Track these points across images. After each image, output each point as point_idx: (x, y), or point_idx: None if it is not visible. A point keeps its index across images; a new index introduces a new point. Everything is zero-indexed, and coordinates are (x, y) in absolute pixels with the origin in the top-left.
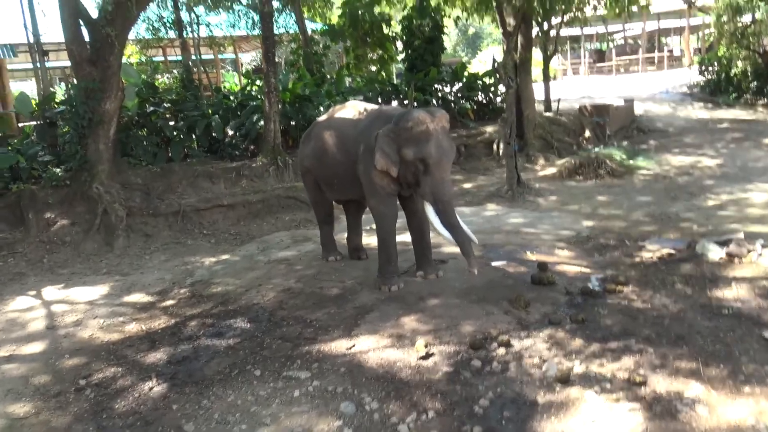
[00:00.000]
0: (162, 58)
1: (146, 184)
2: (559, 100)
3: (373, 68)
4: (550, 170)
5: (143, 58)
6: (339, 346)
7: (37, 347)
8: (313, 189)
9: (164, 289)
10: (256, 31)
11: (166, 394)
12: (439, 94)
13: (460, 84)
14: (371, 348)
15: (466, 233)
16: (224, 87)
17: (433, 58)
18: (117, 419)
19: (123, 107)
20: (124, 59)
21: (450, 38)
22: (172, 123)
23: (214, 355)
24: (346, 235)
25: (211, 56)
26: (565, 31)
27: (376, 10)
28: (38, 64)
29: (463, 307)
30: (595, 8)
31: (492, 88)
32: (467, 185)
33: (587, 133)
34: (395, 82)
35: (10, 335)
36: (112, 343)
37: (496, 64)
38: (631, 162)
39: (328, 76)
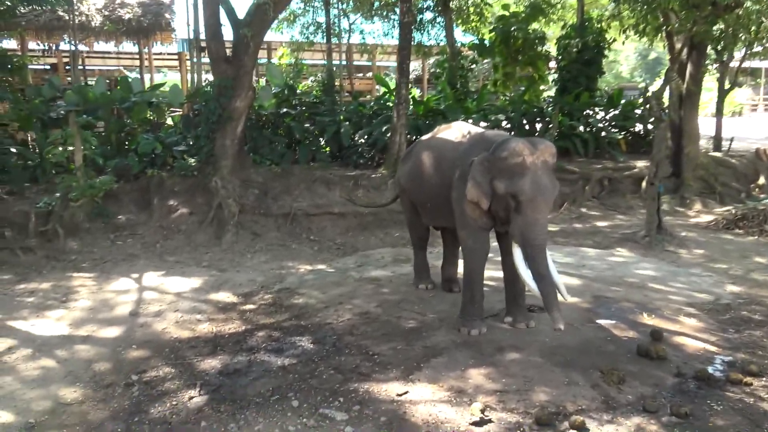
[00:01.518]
0: (319, 62)
1: (265, 183)
2: (732, 139)
3: (522, 88)
4: (706, 218)
5: (293, 60)
6: (391, 389)
7: (113, 332)
8: (408, 210)
9: (251, 292)
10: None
11: (202, 407)
12: (590, 121)
13: (616, 112)
14: (424, 399)
15: (555, 285)
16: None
17: (587, 81)
18: (146, 425)
19: (260, 107)
20: (273, 60)
21: (628, 62)
22: (307, 125)
23: (265, 373)
24: (441, 263)
25: (365, 62)
26: (759, 63)
27: (533, 26)
28: (194, 59)
29: (545, 370)
30: None
31: (651, 119)
32: (602, 224)
33: (762, 180)
34: (543, 104)
35: (97, 315)
36: (179, 341)
37: (648, 93)
38: None
39: (472, 92)
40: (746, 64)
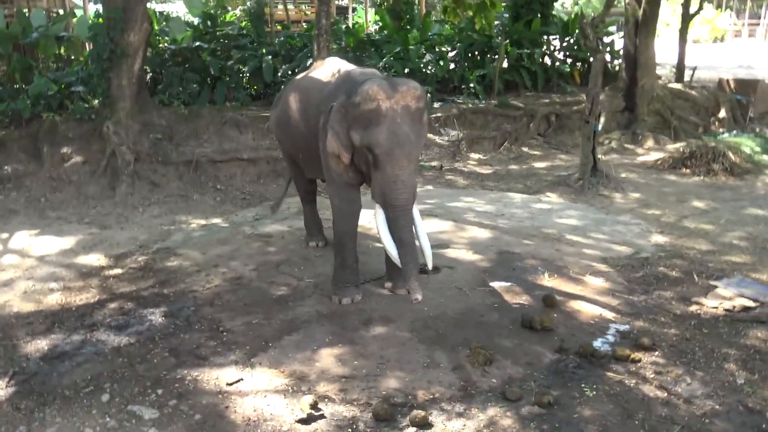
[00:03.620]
0: None
1: (170, 126)
2: (695, 69)
3: (469, 14)
4: (656, 156)
5: None
6: (223, 377)
7: None
8: (288, 161)
9: (125, 253)
10: None
11: (1, 403)
12: (536, 51)
13: (572, 40)
14: (256, 389)
15: (416, 252)
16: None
17: (542, 7)
18: None
19: (173, 40)
20: None
21: None
22: (230, 62)
23: (93, 357)
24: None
25: None
26: None
27: None
28: None
29: (407, 348)
30: None
31: (608, 48)
32: (540, 164)
33: (722, 114)
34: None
35: None
36: (17, 316)
37: (581, 20)
38: (765, 157)
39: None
40: None
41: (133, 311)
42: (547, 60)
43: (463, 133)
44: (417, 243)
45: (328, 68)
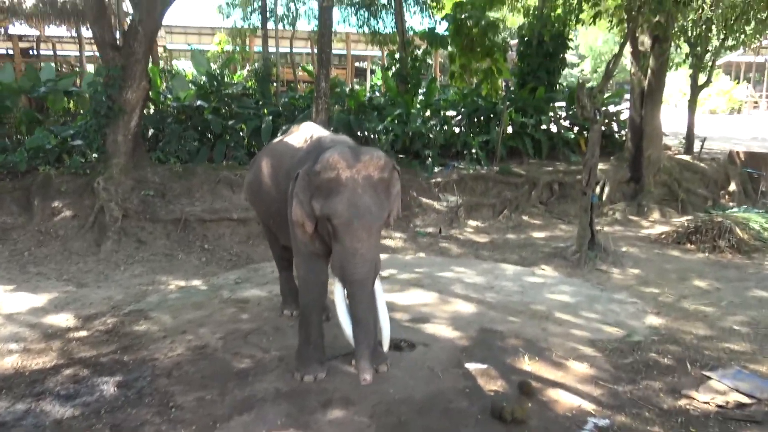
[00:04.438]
0: (284, 50)
1: (163, 183)
2: (704, 140)
3: (475, 81)
4: (661, 229)
5: (230, 47)
6: None
7: None
8: (263, 226)
9: (96, 314)
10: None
11: None
12: (542, 119)
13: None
14: None
15: (372, 332)
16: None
17: (548, 76)
18: None
19: (177, 98)
20: (207, 46)
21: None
22: (231, 122)
23: (31, 430)
24: None
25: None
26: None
27: (491, 14)
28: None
29: None
30: None
31: (614, 117)
32: (539, 234)
33: (732, 187)
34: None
35: None
36: None
37: (578, 90)
38: None
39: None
40: (745, 59)
41: (86, 379)
42: (553, 127)
43: (462, 200)
44: (384, 318)
45: (301, 134)
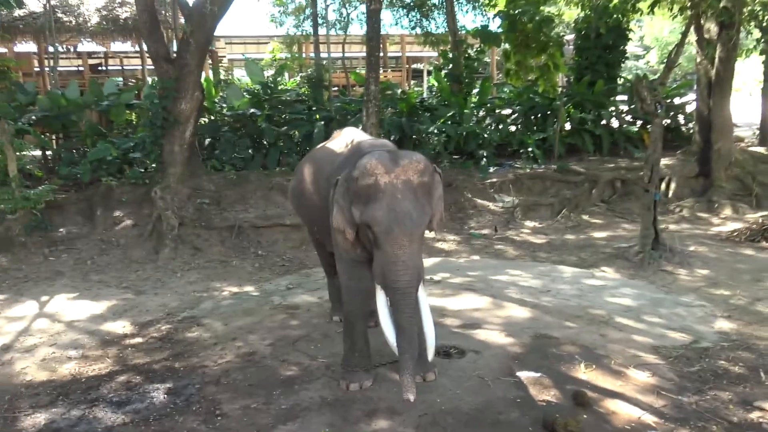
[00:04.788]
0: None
1: (218, 191)
2: None
3: (533, 77)
4: (733, 226)
5: (287, 54)
6: None
7: None
8: (309, 232)
9: (151, 321)
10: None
11: None
12: (602, 113)
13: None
14: None
15: (416, 342)
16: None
17: (607, 69)
18: None
19: (231, 107)
20: (264, 55)
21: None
22: (285, 128)
23: None
24: None
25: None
26: None
27: (546, 8)
28: None
29: None
30: None
31: (680, 109)
32: (600, 234)
33: None
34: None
35: None
36: (27, 386)
37: (636, 83)
38: None
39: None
40: None
41: (138, 386)
42: (614, 122)
43: (518, 200)
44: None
45: (342, 139)
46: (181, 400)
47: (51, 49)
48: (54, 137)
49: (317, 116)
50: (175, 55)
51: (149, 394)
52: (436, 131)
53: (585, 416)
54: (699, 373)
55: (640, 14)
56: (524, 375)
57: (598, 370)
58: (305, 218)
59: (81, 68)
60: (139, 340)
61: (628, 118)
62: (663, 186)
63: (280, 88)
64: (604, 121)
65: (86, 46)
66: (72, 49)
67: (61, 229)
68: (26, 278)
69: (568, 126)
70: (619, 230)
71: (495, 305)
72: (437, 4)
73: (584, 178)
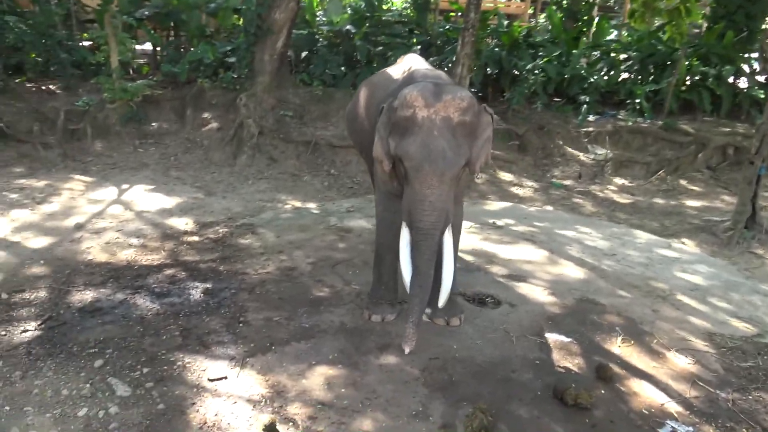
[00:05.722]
0: None
1: (302, 105)
2: None
3: (659, 21)
4: None
5: None
6: (210, 371)
7: (40, 242)
8: (363, 157)
9: (212, 222)
10: None
11: (18, 345)
12: (734, 68)
13: None
14: (231, 393)
15: (429, 285)
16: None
17: (747, 21)
18: None
19: (330, 22)
20: None
21: None
22: (379, 48)
23: (119, 319)
24: None
25: None
26: None
27: None
28: None
29: (406, 389)
30: None
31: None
32: (692, 203)
33: None
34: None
35: (46, 222)
36: (86, 264)
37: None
38: None
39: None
40: None
41: (181, 281)
42: (741, 82)
43: (613, 154)
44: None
45: (401, 65)
46: (213, 302)
47: None
48: (165, 35)
49: (414, 40)
50: None
51: (188, 290)
52: (536, 70)
53: (602, 391)
54: (750, 369)
55: None
56: (552, 337)
57: (636, 347)
58: (356, 142)
59: None
60: (195, 238)
61: (761, 79)
62: None
63: (384, 6)
64: (731, 79)
65: None
66: None
67: (154, 124)
68: (114, 165)
69: (687, 80)
70: (717, 202)
71: (549, 260)
72: None
73: (692, 140)
